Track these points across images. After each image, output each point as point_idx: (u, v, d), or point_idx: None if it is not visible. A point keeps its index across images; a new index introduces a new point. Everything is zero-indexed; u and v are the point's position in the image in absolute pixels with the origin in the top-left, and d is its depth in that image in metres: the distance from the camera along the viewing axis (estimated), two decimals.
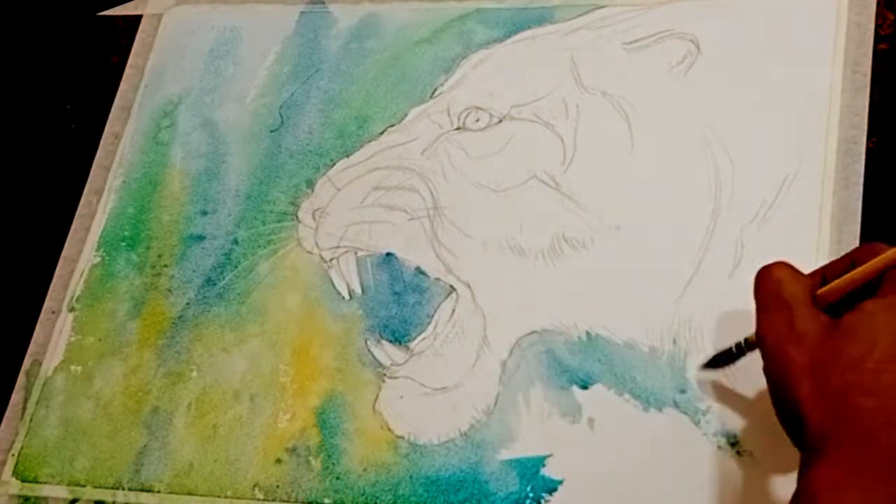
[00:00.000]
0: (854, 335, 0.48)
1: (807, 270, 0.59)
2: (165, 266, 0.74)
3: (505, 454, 0.62)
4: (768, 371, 0.51)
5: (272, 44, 0.80)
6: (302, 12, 0.81)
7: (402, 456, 0.64)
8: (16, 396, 0.72)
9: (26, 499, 0.69)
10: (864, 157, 0.64)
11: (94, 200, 0.78)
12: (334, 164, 0.74)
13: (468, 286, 0.67)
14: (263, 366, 0.68)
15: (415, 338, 0.67)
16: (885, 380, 0.46)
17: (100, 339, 0.72)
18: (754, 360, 0.60)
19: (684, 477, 0.59)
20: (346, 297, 0.69)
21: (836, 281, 0.52)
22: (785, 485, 0.57)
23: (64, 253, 0.76)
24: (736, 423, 0.59)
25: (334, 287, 0.70)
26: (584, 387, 0.62)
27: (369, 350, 0.67)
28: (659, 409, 0.61)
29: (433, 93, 0.74)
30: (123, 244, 0.76)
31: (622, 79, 0.70)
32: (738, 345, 0.58)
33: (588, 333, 0.64)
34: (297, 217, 0.72)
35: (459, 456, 0.63)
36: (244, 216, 0.74)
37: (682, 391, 0.61)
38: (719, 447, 0.59)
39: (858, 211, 0.62)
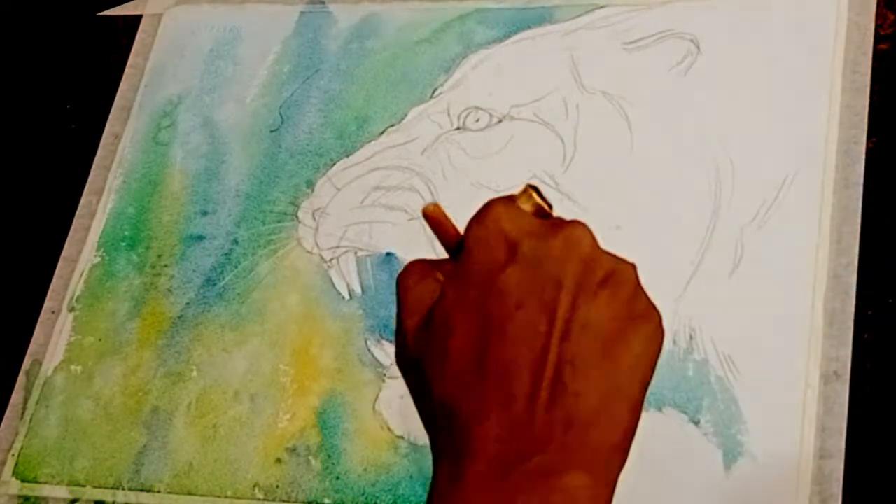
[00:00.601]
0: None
1: (807, 270, 0.59)
2: (165, 266, 0.74)
3: None
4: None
5: (272, 44, 0.80)
6: (302, 12, 0.81)
7: (402, 456, 0.64)
8: (16, 396, 0.72)
9: (26, 499, 0.69)
10: (864, 157, 0.63)
11: (94, 200, 0.78)
12: (334, 164, 0.73)
13: None
14: (263, 366, 0.68)
15: None
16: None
17: (100, 339, 0.72)
18: (752, 361, 0.60)
19: (684, 477, 0.59)
20: (346, 297, 0.69)
21: None
22: (785, 485, 0.57)
23: (64, 253, 0.76)
24: (736, 422, 0.59)
25: (334, 287, 0.70)
26: None
27: (369, 350, 0.67)
28: (659, 409, 0.61)
29: (433, 93, 0.74)
30: (123, 244, 0.75)
31: (622, 79, 0.70)
32: None
33: None
34: (297, 217, 0.72)
35: None
36: (244, 216, 0.74)
37: (682, 391, 0.61)
38: (719, 447, 0.59)
39: (858, 211, 0.62)
